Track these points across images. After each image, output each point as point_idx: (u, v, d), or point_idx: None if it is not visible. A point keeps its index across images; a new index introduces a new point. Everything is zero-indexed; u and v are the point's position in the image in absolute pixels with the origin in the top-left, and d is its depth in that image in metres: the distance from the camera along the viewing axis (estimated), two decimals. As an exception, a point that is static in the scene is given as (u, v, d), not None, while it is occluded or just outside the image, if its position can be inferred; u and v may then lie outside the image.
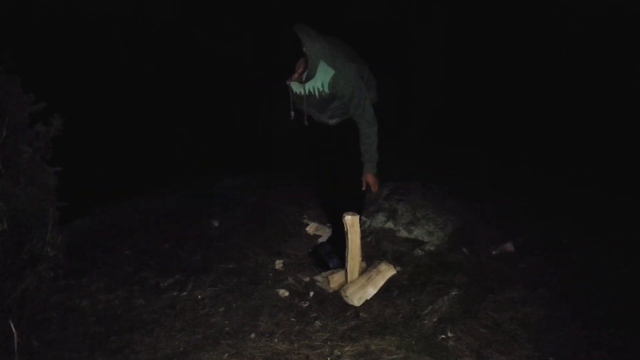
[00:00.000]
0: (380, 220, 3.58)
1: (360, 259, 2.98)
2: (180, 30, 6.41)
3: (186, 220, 4.11)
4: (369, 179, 3.18)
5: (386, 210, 3.64)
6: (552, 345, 2.39)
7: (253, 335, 2.60)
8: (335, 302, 2.90)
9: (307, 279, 3.15)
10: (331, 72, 2.91)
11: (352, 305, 2.82)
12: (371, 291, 2.89)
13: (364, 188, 3.21)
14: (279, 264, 3.32)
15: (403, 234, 3.48)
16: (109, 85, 5.52)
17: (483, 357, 2.33)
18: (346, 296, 2.85)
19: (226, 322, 2.74)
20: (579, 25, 5.53)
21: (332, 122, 3.16)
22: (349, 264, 2.93)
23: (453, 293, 2.78)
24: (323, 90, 2.95)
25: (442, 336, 2.46)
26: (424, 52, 6.75)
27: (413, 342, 2.44)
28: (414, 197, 3.80)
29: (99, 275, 3.25)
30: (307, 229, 3.74)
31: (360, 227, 2.94)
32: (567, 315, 2.58)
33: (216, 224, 4.01)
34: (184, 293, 3.06)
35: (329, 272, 3.13)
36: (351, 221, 2.80)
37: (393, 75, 5.95)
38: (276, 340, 2.56)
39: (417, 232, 3.46)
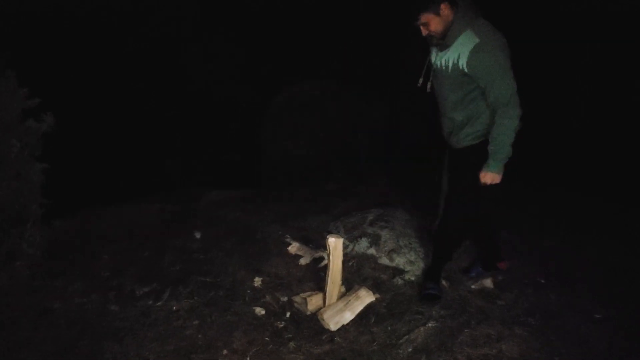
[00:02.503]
0: (363, 246, 3.58)
1: (340, 282, 2.97)
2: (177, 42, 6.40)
3: (169, 230, 4.08)
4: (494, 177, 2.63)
5: (370, 236, 3.65)
6: (524, 384, 2.39)
7: (225, 351, 2.57)
8: (312, 324, 2.87)
9: (285, 298, 3.13)
10: (474, 41, 2.39)
11: (328, 329, 2.81)
12: (348, 316, 2.87)
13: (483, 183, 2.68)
14: (257, 281, 3.29)
15: (385, 261, 3.48)
16: (108, 87, 5.52)
17: (455, 391, 2.32)
18: (323, 319, 2.84)
19: (199, 335, 2.71)
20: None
21: (455, 116, 2.66)
22: (328, 287, 2.91)
23: (430, 324, 2.77)
24: (457, 64, 2.45)
25: (416, 367, 2.45)
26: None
27: (386, 371, 2.43)
28: (398, 224, 3.81)
29: (75, 278, 3.21)
30: (289, 248, 3.72)
31: (344, 250, 2.94)
32: (542, 355, 2.59)
33: (198, 236, 3.99)
34: (159, 303, 3.02)
35: (307, 293, 3.11)
36: (334, 244, 2.80)
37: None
38: (248, 358, 2.53)
39: (399, 261, 3.46)
